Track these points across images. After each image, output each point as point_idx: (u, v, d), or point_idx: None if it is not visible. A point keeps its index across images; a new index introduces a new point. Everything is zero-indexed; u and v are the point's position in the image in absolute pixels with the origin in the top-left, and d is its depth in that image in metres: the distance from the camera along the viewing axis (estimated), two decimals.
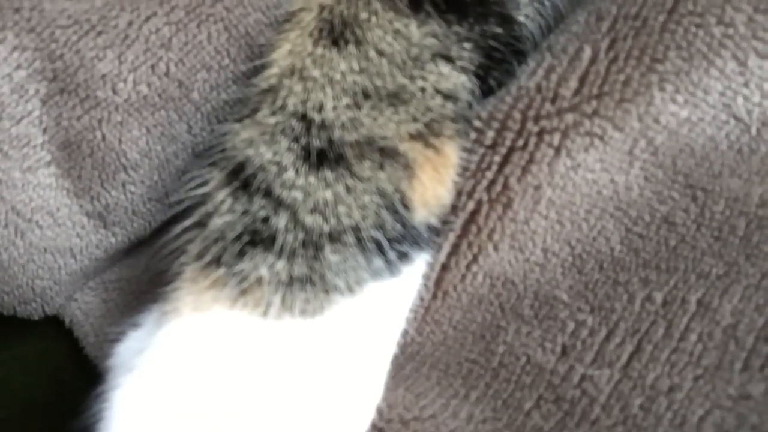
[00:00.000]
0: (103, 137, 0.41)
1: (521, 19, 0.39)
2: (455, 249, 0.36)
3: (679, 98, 0.34)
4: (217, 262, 0.35)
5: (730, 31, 0.34)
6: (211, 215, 0.36)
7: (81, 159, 0.41)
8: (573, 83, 0.36)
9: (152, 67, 0.40)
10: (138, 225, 0.45)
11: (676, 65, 0.34)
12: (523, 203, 0.36)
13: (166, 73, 0.40)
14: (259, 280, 0.34)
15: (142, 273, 0.46)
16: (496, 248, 0.36)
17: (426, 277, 0.37)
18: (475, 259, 0.36)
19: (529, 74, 0.38)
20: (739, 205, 0.34)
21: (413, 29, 0.37)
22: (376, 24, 0.37)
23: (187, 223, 0.36)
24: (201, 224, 0.36)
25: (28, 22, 0.39)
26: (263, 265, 0.34)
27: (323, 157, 0.35)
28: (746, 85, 0.34)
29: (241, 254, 0.34)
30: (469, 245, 0.36)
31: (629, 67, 0.34)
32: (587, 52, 0.35)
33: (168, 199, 0.43)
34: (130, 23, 0.39)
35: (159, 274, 0.38)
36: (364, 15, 0.37)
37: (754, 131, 0.35)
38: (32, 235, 0.42)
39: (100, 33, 0.39)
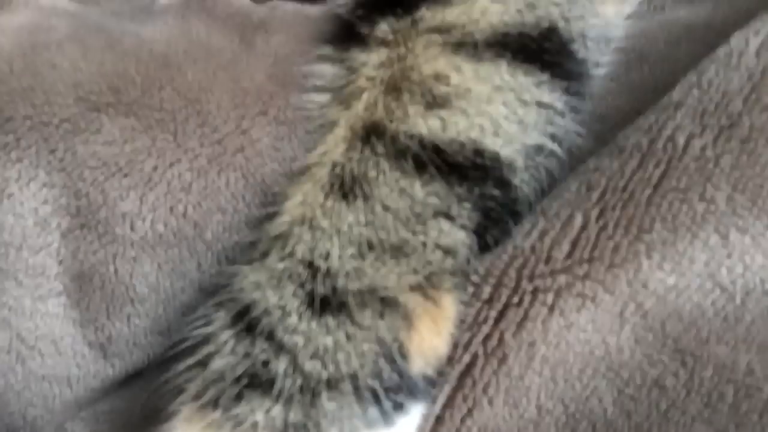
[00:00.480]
0: (116, 271, 0.42)
1: (517, 183, 0.42)
2: (450, 401, 0.37)
3: (666, 266, 0.36)
4: (214, 403, 0.35)
5: (712, 207, 0.36)
6: (213, 356, 0.36)
7: (91, 291, 0.42)
8: (565, 246, 0.38)
9: (171, 208, 0.43)
10: (137, 357, 0.45)
11: (662, 236, 0.36)
12: (518, 359, 0.37)
13: (184, 214, 0.43)
14: (254, 425, 0.34)
15: (137, 407, 0.45)
16: (490, 403, 0.37)
17: (420, 429, 0.37)
18: (469, 412, 0.37)
19: (524, 235, 0.40)
20: (727, 373, 0.35)
21: (417, 188, 0.39)
22: (383, 182, 0.39)
23: (189, 361, 0.37)
24: (202, 364, 0.37)
25: (60, 162, 0.41)
26: (260, 410, 0.34)
27: (326, 303, 0.37)
28: (729, 257, 0.36)
29: (239, 397, 0.35)
30: (464, 398, 0.37)
31: (618, 236, 0.37)
32: (578, 219, 0.38)
33: (170, 333, 0.44)
34: (155, 168, 0.42)
35: (154, 409, 0.38)
36: (372, 173, 0.39)
37: (738, 300, 0.36)
38: (33, 363, 0.43)
39: (126, 175, 0.42)
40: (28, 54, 0.42)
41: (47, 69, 0.42)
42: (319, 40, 0.48)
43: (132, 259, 0.42)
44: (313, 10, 0.52)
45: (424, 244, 0.39)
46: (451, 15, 0.44)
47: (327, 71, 0.46)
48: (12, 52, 0.42)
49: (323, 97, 0.45)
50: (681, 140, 0.37)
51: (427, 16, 0.44)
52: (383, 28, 0.45)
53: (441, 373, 0.38)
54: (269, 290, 0.37)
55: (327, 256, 0.38)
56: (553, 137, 0.43)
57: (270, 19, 0.49)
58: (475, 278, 0.39)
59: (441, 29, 0.43)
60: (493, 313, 0.38)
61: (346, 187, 0.40)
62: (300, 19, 0.50)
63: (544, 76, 0.43)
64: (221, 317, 0.38)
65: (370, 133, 0.41)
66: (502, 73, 0.43)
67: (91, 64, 0.42)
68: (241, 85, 0.45)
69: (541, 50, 0.44)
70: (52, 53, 0.42)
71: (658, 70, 0.53)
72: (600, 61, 0.48)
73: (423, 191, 0.39)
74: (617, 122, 0.45)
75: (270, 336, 0.36)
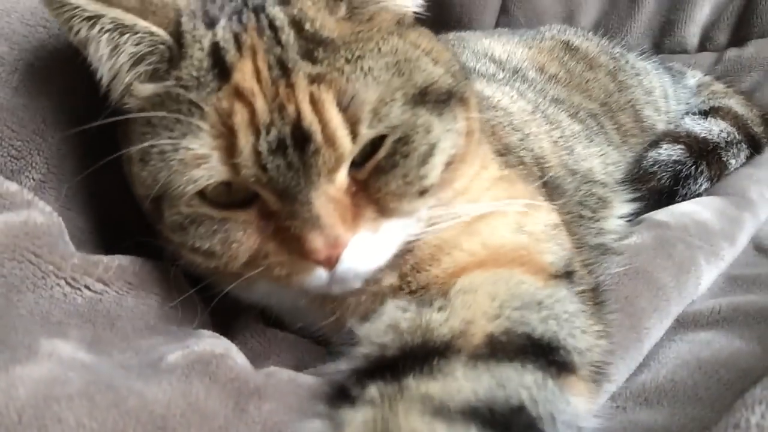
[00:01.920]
0: None
1: None
2: None
3: None
4: None
5: None
6: None
7: None
8: None
9: None
10: None
11: None
12: None
13: None
14: None
15: None
16: None
17: None
18: None
19: None
20: None
21: None
22: None
23: None
24: None
25: None
26: None
27: None
28: None
29: None
30: None
31: None
32: None
33: None
34: None
35: None
36: None
37: None
38: None
39: None
40: (40, 406, 0.45)
41: (53, 423, 0.45)
42: (312, 400, 0.53)
43: None
44: (307, 378, 0.57)
45: None
46: (433, 388, 0.50)
47: (316, 428, 0.50)
48: (26, 403, 0.45)
49: None
50: None
51: (413, 385, 0.50)
52: (372, 391, 0.51)
53: None
54: None
55: None
56: None
57: (265, 386, 0.54)
58: None
59: (423, 398, 0.49)
60: None
61: None
62: (292, 388, 0.55)
63: None
64: None
65: None
66: None
67: (94, 422, 0.45)
68: None
69: (509, 424, 0.48)
70: (61, 407, 0.46)
71: None
72: None
73: None
74: None
75: None
